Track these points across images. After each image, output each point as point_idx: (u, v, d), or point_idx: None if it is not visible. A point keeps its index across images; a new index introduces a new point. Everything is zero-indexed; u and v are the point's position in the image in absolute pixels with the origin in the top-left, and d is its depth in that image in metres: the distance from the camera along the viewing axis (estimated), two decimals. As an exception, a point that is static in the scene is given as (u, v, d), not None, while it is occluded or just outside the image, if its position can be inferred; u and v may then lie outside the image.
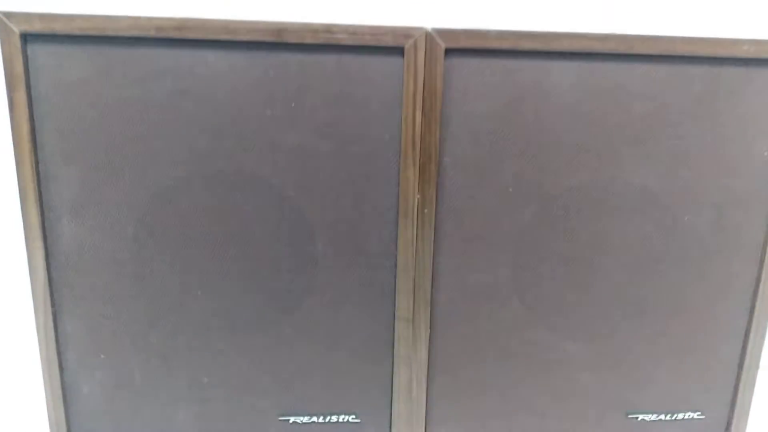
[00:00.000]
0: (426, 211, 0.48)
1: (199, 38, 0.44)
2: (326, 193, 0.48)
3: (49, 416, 0.52)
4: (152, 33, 0.44)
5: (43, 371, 0.51)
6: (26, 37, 0.44)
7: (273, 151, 0.47)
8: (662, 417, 0.55)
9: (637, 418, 0.55)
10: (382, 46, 0.45)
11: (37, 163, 0.46)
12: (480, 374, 0.53)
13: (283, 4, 0.63)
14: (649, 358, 0.54)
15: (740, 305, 0.53)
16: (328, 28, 0.44)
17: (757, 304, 0.52)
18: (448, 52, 0.45)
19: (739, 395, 0.55)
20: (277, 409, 0.53)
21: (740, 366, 0.54)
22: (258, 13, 0.63)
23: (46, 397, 0.51)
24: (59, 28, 0.44)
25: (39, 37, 0.44)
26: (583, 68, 0.46)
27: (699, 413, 0.55)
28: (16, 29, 0.44)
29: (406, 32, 0.45)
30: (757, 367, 0.54)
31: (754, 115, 0.48)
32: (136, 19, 0.44)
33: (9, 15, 0.44)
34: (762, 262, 0.51)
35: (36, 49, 0.45)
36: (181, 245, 0.48)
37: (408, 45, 0.45)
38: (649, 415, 0.56)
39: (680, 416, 0.55)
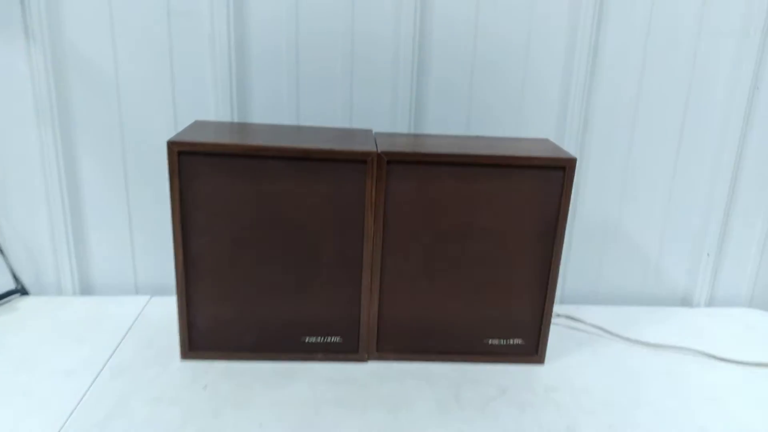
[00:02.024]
0: (376, 240, 0.96)
1: (270, 155, 0.90)
2: (328, 232, 0.95)
3: (179, 325, 1.00)
4: (246, 151, 0.90)
5: (178, 307, 0.98)
6: (180, 153, 0.89)
7: (304, 210, 0.93)
8: (502, 342, 1.05)
9: (488, 342, 1.05)
10: (356, 160, 0.91)
11: (182, 212, 0.92)
12: (407, 312, 1.02)
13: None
14: (494, 306, 1.02)
15: (540, 276, 1.01)
16: (331, 151, 0.90)
17: (550, 275, 1.00)
18: (389, 162, 0.92)
19: (542, 328, 1.04)
20: (301, 334, 1.02)
21: (542, 312, 1.03)
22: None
23: (179, 319, 0.99)
24: (197, 149, 0.89)
25: (186, 153, 0.89)
26: (456, 170, 0.93)
27: (521, 340, 1.05)
28: (176, 150, 0.89)
29: (368, 153, 0.91)
30: (551, 312, 1.03)
31: (533, 196, 0.96)
32: (239, 144, 0.89)
33: (172, 143, 0.89)
34: (546, 259, 1.00)
35: (184, 159, 0.90)
36: (255, 251, 0.96)
37: (369, 159, 0.91)
38: (496, 340, 1.05)
39: (511, 341, 1.05)
